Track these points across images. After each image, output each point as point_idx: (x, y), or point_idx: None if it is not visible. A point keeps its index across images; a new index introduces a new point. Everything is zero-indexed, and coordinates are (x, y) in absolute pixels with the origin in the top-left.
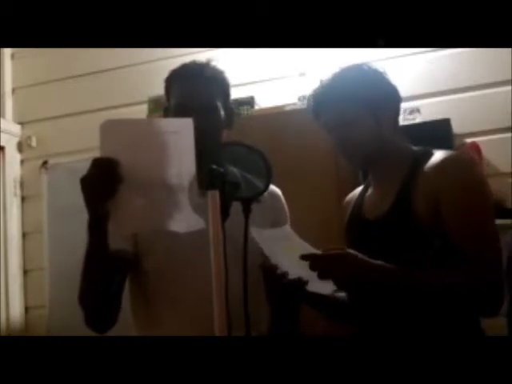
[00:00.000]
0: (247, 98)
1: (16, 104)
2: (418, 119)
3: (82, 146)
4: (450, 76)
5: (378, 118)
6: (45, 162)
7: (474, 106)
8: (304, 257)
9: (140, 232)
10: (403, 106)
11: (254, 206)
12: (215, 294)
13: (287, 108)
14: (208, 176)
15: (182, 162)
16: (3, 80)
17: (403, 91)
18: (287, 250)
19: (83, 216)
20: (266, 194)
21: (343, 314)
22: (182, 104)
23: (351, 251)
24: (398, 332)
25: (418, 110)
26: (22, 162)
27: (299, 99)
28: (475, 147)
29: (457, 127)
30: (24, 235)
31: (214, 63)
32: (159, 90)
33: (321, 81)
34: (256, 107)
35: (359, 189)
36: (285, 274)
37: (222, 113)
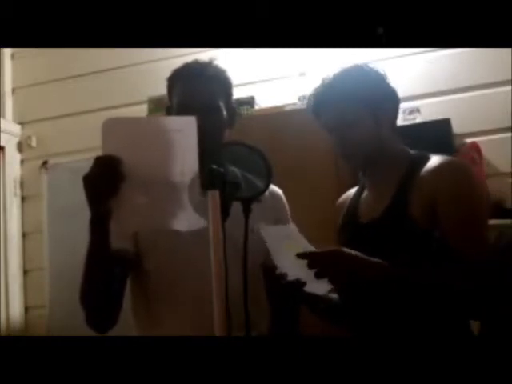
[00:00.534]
0: (247, 97)
1: (16, 104)
2: (418, 119)
3: (82, 146)
4: (450, 76)
5: (377, 119)
6: (45, 162)
7: (474, 106)
8: (300, 255)
9: (141, 230)
10: (403, 105)
11: (255, 206)
12: (215, 294)
13: (287, 108)
14: (208, 176)
15: (184, 160)
16: (3, 80)
17: (403, 91)
18: (289, 249)
19: (83, 216)
20: (267, 193)
21: (339, 316)
22: (184, 103)
23: (346, 249)
24: (393, 332)
25: (418, 110)
26: (21, 161)
27: (299, 99)
28: (475, 147)
29: (457, 127)
30: (24, 235)
31: (216, 63)
32: (159, 90)
33: (322, 80)
34: (256, 107)
35: (353, 190)
36: (284, 275)
37: (224, 112)
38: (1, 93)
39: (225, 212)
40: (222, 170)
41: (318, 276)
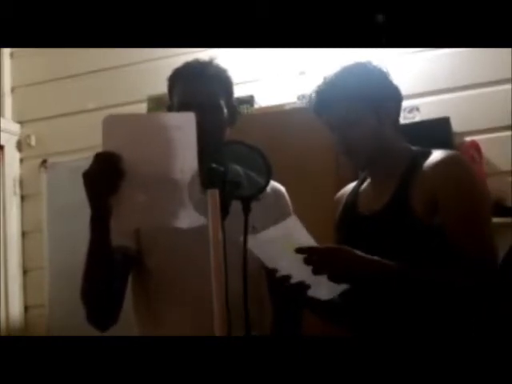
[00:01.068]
0: (247, 96)
1: (15, 103)
2: (418, 118)
3: (82, 145)
4: (450, 74)
5: (380, 117)
6: (44, 161)
7: (473, 105)
8: (299, 250)
9: (142, 228)
10: (403, 104)
11: (257, 204)
12: (215, 294)
13: (287, 107)
14: (208, 175)
15: (184, 156)
16: (2, 79)
17: (403, 90)
18: (288, 249)
19: (83, 215)
20: (269, 191)
21: (340, 316)
22: (185, 103)
23: (346, 247)
24: (393, 332)
25: (417, 109)
26: (21, 160)
27: (299, 98)
28: (475, 146)
29: (456, 126)
30: (24, 234)
31: (216, 62)
32: (158, 88)
33: (324, 78)
34: (256, 106)
35: (351, 185)
36: (286, 278)
37: (225, 111)
38: (0, 92)
39: (224, 211)
40: (221, 168)
41: (316, 272)
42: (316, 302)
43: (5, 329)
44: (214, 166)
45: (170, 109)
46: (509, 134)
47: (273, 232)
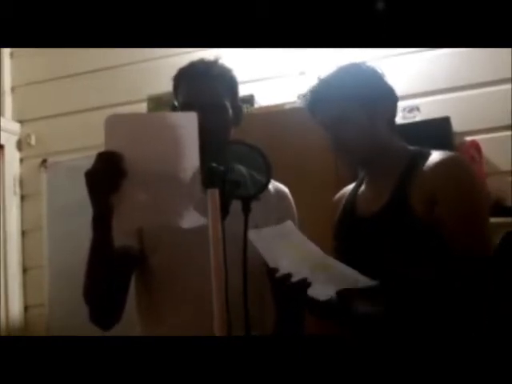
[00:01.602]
0: (247, 96)
1: (15, 102)
2: (418, 117)
3: (82, 145)
4: (450, 74)
5: (373, 117)
6: (44, 161)
7: (473, 104)
8: None
9: (144, 227)
10: (403, 104)
11: (259, 205)
12: (215, 294)
13: (287, 106)
14: (208, 174)
15: (186, 156)
16: (2, 78)
17: (403, 89)
18: (287, 249)
19: (83, 214)
20: (272, 192)
21: (340, 316)
22: (190, 103)
23: None
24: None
25: (417, 109)
26: (21, 160)
27: (299, 98)
28: (475, 145)
29: (457, 125)
30: (23, 233)
31: (221, 61)
32: (159, 88)
33: (318, 78)
34: (256, 105)
35: (350, 186)
36: (287, 276)
37: (230, 111)
38: (0, 91)
39: (224, 210)
40: (221, 168)
41: None
42: (315, 303)
43: (5, 328)
44: (213, 165)
45: (175, 108)
46: (509, 134)
47: (273, 231)
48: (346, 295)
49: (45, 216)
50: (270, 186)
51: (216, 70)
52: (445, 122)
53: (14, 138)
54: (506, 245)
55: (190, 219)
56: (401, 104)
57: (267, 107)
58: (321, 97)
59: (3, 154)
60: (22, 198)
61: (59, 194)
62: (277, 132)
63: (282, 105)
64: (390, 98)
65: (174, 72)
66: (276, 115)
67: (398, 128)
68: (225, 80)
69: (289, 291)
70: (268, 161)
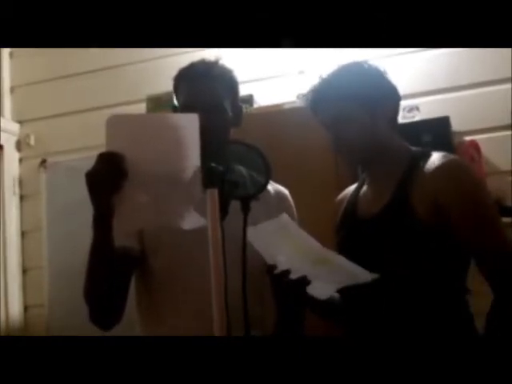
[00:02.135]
0: (246, 96)
1: (14, 102)
2: (417, 117)
3: (81, 145)
4: (450, 74)
5: (374, 116)
6: (43, 161)
7: (473, 104)
8: None
9: (144, 228)
10: (402, 103)
11: (259, 205)
12: (214, 294)
13: (286, 106)
14: (207, 174)
15: (187, 157)
16: (2, 79)
17: (402, 89)
18: (285, 243)
19: (82, 214)
20: (272, 193)
21: (340, 315)
22: (190, 103)
23: None
24: (394, 332)
25: (417, 108)
26: (20, 160)
27: (298, 97)
28: (474, 145)
29: (456, 125)
30: (23, 234)
31: (221, 62)
32: (158, 88)
33: (320, 77)
34: (255, 105)
35: (352, 187)
36: (285, 273)
37: (230, 112)
38: None
39: (223, 210)
40: (220, 168)
41: None
42: (315, 301)
43: (4, 328)
44: (213, 165)
45: (175, 109)
46: (508, 134)
47: (269, 225)
48: (346, 294)
49: (44, 216)
50: (270, 188)
51: (216, 70)
52: (444, 121)
53: (14, 139)
54: None
55: (191, 220)
56: (400, 104)
57: (266, 107)
58: (322, 96)
59: (2, 155)
60: (22, 198)
61: (59, 195)
62: (276, 132)
63: (282, 104)
64: (391, 97)
65: (173, 72)
66: (275, 115)
67: (397, 127)
68: (225, 81)
69: (288, 289)
70: (267, 161)
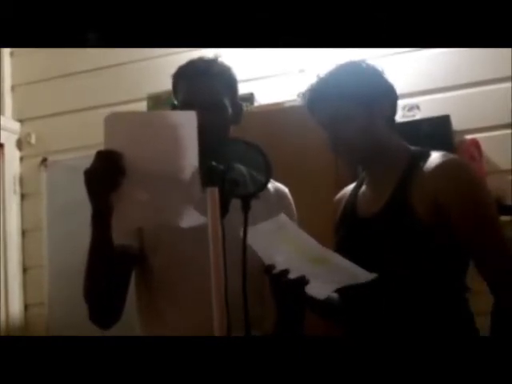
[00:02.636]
0: (247, 94)
1: (15, 101)
2: (418, 116)
3: (82, 144)
4: (450, 72)
5: (372, 115)
6: (44, 160)
7: (473, 103)
8: None
9: (143, 226)
10: (403, 102)
11: (259, 204)
12: (214, 293)
13: (287, 105)
14: (207, 173)
15: (185, 155)
16: (2, 77)
17: (402, 88)
18: (283, 243)
19: (83, 213)
20: (272, 191)
21: (340, 315)
22: (189, 101)
23: None
24: (394, 332)
25: (417, 107)
26: (21, 159)
27: (299, 96)
28: (475, 144)
29: (456, 124)
30: (23, 233)
31: (220, 60)
32: (158, 86)
33: (317, 76)
34: (255, 104)
35: (351, 186)
36: (284, 272)
37: (230, 109)
38: (0, 90)
39: (224, 209)
40: (221, 167)
41: None
42: (314, 301)
43: (4, 327)
44: (213, 164)
45: (175, 107)
46: (509, 133)
47: (267, 225)
48: (345, 294)
49: (45, 215)
50: (270, 186)
51: (215, 68)
52: (445, 120)
53: (14, 137)
54: None
55: (190, 218)
56: (401, 102)
57: (267, 105)
58: (319, 95)
59: (3, 153)
60: (22, 196)
61: (59, 193)
62: (276, 130)
63: (282, 103)
64: (389, 96)
65: (173, 70)
66: (276, 113)
67: (397, 126)
68: (224, 78)
69: (286, 289)
70: (268, 160)
